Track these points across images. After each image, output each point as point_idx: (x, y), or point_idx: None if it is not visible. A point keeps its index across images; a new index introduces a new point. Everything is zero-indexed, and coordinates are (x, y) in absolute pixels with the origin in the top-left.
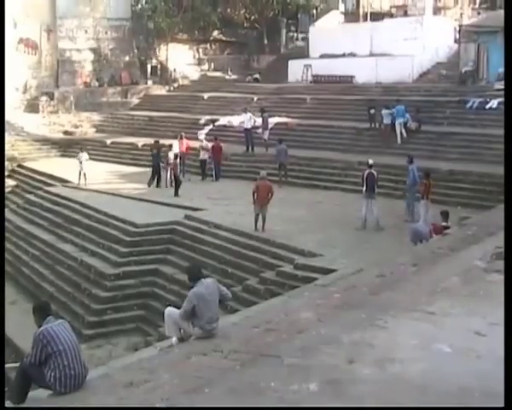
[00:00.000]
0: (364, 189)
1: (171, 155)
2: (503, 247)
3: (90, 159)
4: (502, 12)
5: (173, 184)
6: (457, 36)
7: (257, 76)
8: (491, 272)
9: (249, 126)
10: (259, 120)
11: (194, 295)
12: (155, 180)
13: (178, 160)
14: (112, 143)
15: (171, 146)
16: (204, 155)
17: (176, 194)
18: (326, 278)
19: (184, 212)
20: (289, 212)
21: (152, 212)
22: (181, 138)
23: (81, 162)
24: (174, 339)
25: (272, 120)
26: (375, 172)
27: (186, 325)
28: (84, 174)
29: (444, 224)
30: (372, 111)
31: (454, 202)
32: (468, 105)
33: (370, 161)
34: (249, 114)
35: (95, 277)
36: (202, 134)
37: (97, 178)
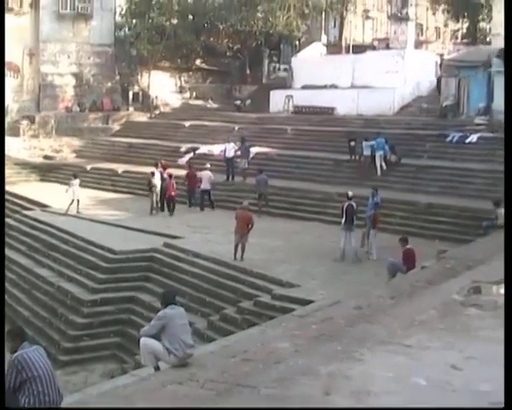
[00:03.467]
0: (343, 220)
1: (155, 181)
2: (480, 281)
3: (69, 184)
4: (483, 47)
5: (167, 207)
6: (439, 70)
7: (238, 102)
8: (468, 306)
9: (231, 156)
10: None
11: (164, 314)
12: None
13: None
14: (92, 168)
15: (153, 173)
16: (206, 186)
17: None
18: (304, 308)
19: (163, 239)
20: (268, 242)
21: (130, 238)
22: (161, 166)
23: (73, 188)
24: (150, 368)
25: (253, 150)
26: (354, 204)
27: (162, 354)
28: (78, 201)
29: (408, 247)
30: (352, 143)
31: (432, 236)
32: (448, 139)
33: (350, 193)
34: (232, 144)
35: (71, 303)
36: (207, 163)
37: (74, 206)
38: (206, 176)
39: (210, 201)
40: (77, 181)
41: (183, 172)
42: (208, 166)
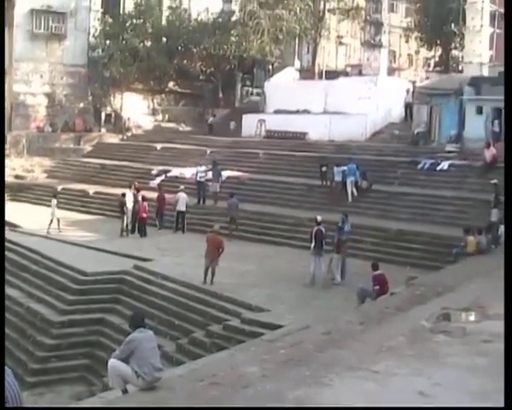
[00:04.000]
0: (313, 245)
1: (129, 204)
2: (449, 308)
3: (40, 204)
4: (455, 75)
5: (138, 229)
6: (410, 97)
7: (211, 119)
8: (436, 333)
9: (203, 179)
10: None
11: (133, 338)
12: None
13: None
14: (63, 189)
15: (123, 194)
16: (182, 207)
17: (145, 234)
18: (273, 333)
19: (133, 262)
20: (238, 266)
21: (100, 260)
22: (135, 188)
23: (53, 208)
24: (118, 390)
25: (224, 174)
26: (323, 229)
27: (130, 377)
28: (58, 220)
29: (378, 272)
30: (324, 168)
31: (403, 262)
32: (420, 166)
33: (319, 218)
34: (204, 167)
35: (41, 323)
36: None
37: (47, 224)
38: (182, 198)
39: (183, 224)
40: (54, 201)
41: (155, 195)
42: (182, 187)
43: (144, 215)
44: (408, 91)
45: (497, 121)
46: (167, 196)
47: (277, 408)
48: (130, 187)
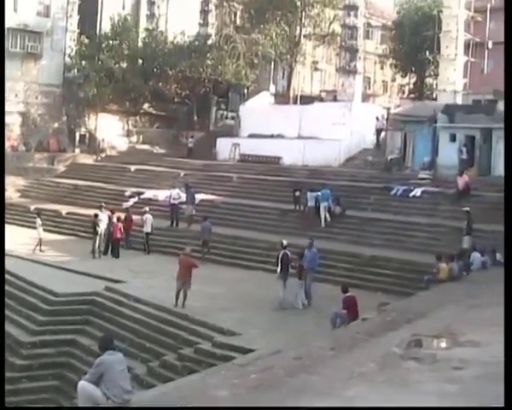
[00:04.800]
0: (279, 269)
1: (102, 225)
2: (420, 334)
3: (13, 224)
4: (429, 103)
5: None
6: (381, 124)
7: (191, 140)
8: (407, 359)
9: (176, 202)
10: (184, 196)
11: (102, 360)
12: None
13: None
14: (35, 209)
15: (96, 215)
16: (149, 229)
17: (117, 255)
18: (244, 357)
19: (105, 283)
20: (211, 289)
21: (72, 281)
22: (110, 210)
23: (38, 228)
24: None
25: (198, 197)
26: (289, 253)
27: (100, 399)
28: (40, 240)
29: (348, 294)
30: (297, 193)
31: (375, 288)
32: (393, 192)
33: (284, 242)
34: (177, 190)
35: (11, 344)
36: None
37: (18, 245)
38: (149, 219)
39: (148, 244)
40: (39, 221)
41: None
42: (147, 209)
43: (119, 236)
44: (378, 118)
45: (465, 149)
46: (135, 217)
47: (276, 408)
48: (100, 208)
